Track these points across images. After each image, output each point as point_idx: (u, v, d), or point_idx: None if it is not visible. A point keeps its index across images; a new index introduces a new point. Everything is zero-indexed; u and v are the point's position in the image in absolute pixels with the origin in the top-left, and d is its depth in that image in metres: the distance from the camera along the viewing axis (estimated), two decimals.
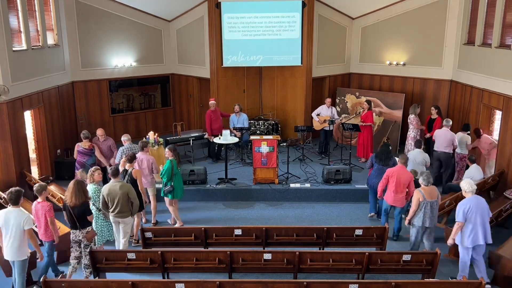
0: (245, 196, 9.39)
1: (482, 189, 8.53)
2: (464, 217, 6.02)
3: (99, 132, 9.07)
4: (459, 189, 8.27)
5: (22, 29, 9.06)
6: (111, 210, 6.68)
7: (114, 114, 12.75)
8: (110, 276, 6.36)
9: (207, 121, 10.78)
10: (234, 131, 10.76)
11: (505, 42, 8.97)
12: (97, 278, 6.04)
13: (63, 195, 6.60)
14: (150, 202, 8.05)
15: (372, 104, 11.84)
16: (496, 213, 7.44)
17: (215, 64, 12.04)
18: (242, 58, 11.97)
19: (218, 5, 11.65)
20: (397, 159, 7.91)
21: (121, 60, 12.48)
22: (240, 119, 10.93)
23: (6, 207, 5.98)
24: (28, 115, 9.54)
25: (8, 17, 8.51)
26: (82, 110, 11.97)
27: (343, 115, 12.40)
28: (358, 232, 6.60)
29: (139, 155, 7.92)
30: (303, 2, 11.62)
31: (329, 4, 12.28)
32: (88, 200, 6.19)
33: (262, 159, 9.43)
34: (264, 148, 9.39)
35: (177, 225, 7.93)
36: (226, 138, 9.67)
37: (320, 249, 6.68)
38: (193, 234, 6.61)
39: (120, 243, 6.86)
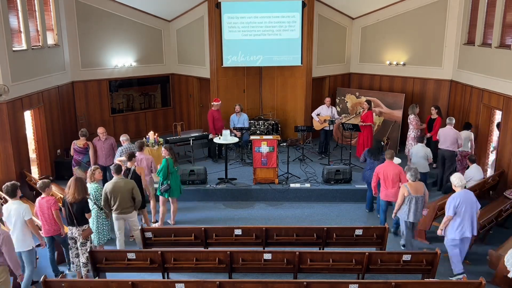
0: (245, 196, 9.40)
1: (482, 189, 8.53)
2: (454, 211, 6.23)
3: (100, 130, 9.07)
4: None
5: (22, 29, 9.06)
6: (114, 208, 6.74)
7: (114, 114, 12.75)
8: (110, 276, 6.36)
9: (210, 120, 10.78)
10: (234, 131, 10.77)
11: (505, 42, 8.97)
12: (97, 278, 6.04)
13: (63, 195, 6.64)
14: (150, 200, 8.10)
15: (372, 104, 11.85)
16: (496, 213, 7.44)
17: (215, 64, 12.04)
18: (242, 58, 11.97)
19: (218, 5, 11.65)
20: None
21: (121, 60, 12.48)
22: (240, 119, 10.94)
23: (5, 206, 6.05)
24: (28, 115, 9.54)
25: (8, 17, 8.52)
26: (82, 110, 11.97)
27: (343, 115, 12.40)
28: (358, 232, 6.60)
29: (138, 155, 7.96)
30: (303, 2, 11.62)
31: (329, 4, 12.28)
32: (87, 197, 6.22)
33: (262, 159, 9.43)
34: (264, 148, 9.39)
35: (156, 225, 7.97)
36: (226, 138, 9.67)
37: (320, 249, 6.68)
38: (193, 234, 6.61)
39: (122, 241, 6.94)
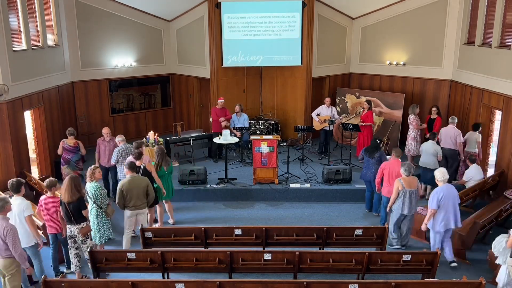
0: (245, 196, 9.39)
1: (482, 189, 8.54)
2: (437, 204, 6.51)
3: (105, 131, 9.03)
4: (459, 189, 8.32)
5: (22, 29, 9.06)
6: (130, 204, 6.84)
7: (114, 114, 12.75)
8: (110, 276, 6.36)
9: (213, 115, 10.78)
10: (234, 131, 10.77)
11: (505, 42, 8.98)
12: (97, 278, 6.04)
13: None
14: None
15: (372, 104, 11.85)
16: (496, 213, 7.44)
17: (215, 64, 12.04)
18: (242, 58, 11.97)
19: (218, 5, 11.65)
20: (388, 157, 8.21)
21: (121, 60, 12.49)
22: (240, 119, 10.94)
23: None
24: (28, 115, 9.54)
25: (8, 17, 8.52)
26: (82, 110, 11.98)
27: (343, 115, 12.40)
28: (358, 232, 6.60)
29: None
30: (303, 2, 11.62)
31: (329, 4, 12.28)
32: (83, 196, 6.23)
33: (262, 159, 9.43)
34: (264, 148, 9.39)
35: (156, 225, 7.99)
36: (226, 138, 9.67)
37: (320, 249, 6.67)
38: (193, 234, 6.61)
39: (128, 238, 7.03)
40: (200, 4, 12.17)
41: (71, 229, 6.19)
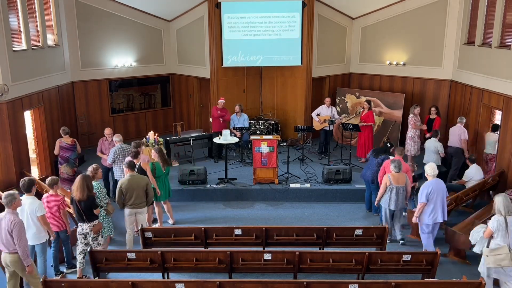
0: (245, 196, 9.39)
1: (482, 189, 8.54)
2: (426, 198, 6.68)
3: (107, 131, 9.09)
4: (459, 189, 8.33)
5: (22, 29, 9.05)
6: (129, 203, 6.86)
7: (114, 114, 12.75)
8: (110, 276, 6.36)
9: (215, 113, 10.78)
10: (234, 131, 10.77)
11: (505, 42, 8.97)
12: (97, 278, 6.04)
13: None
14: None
15: (372, 104, 11.84)
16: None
17: (215, 64, 12.04)
18: (242, 58, 11.97)
19: (218, 5, 11.65)
20: (391, 157, 8.10)
21: (121, 60, 12.49)
22: (240, 119, 10.94)
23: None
24: (28, 115, 9.54)
25: (8, 17, 8.51)
26: (82, 110, 11.98)
27: (343, 115, 12.40)
28: (358, 232, 6.61)
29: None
30: (303, 2, 11.62)
31: (329, 4, 12.28)
32: (94, 195, 6.27)
33: (262, 159, 9.43)
34: (264, 148, 9.39)
35: (156, 225, 7.99)
36: (226, 138, 9.67)
37: (320, 249, 6.68)
38: (193, 234, 6.61)
39: (131, 237, 7.04)
40: (200, 4, 12.17)
41: (83, 227, 6.24)
